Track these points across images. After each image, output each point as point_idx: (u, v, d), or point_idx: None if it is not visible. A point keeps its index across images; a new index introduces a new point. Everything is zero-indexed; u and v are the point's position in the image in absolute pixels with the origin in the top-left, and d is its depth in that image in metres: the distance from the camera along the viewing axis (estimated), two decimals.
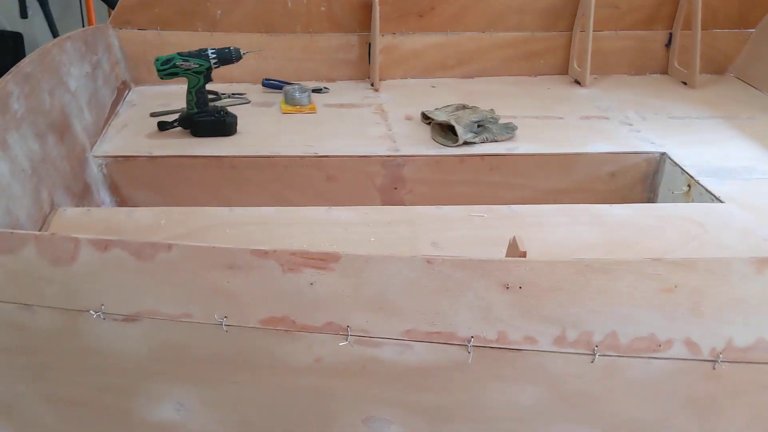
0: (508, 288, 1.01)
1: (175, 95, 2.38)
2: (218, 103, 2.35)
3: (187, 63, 2.16)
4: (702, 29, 2.80)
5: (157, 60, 2.17)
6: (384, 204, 2.13)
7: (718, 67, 2.89)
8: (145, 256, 1.03)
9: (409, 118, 2.39)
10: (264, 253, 1.02)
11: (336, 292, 1.03)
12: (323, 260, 1.02)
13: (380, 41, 2.68)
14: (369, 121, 2.38)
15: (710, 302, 0.99)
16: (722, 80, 2.83)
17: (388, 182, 2.13)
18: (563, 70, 2.85)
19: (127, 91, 2.57)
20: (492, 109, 2.40)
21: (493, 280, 1.01)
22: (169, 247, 1.03)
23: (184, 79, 2.19)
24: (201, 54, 2.16)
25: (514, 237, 1.16)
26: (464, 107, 2.42)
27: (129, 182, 2.11)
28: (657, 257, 1.01)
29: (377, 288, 1.02)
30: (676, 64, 2.80)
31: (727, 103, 2.57)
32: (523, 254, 1.10)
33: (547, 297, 1.01)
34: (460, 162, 2.13)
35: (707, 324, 1.01)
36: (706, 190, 1.91)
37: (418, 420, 1.14)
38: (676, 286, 0.98)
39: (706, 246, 1.64)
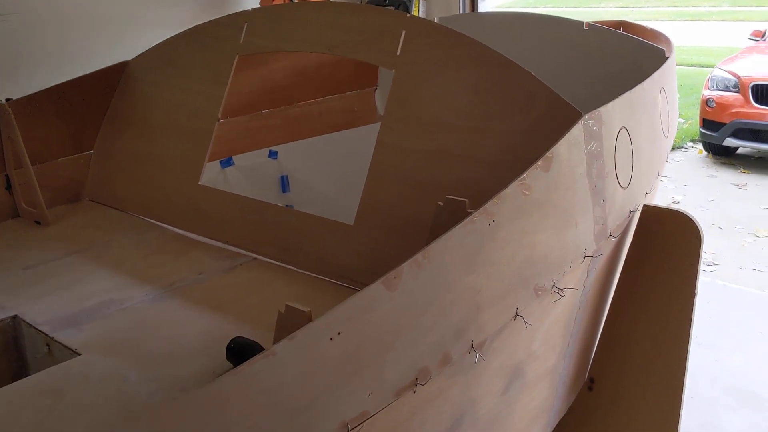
0: None
1: None
2: None
3: None
4: (41, 162, 2.73)
5: None
6: None
7: (73, 195, 2.83)
8: None
9: None
10: None
11: None
12: None
13: None
14: None
15: None
16: (78, 208, 2.77)
17: None
18: None
19: None
20: None
21: None
22: None
23: None
24: None
25: None
26: None
27: None
28: None
29: None
30: (24, 205, 2.64)
31: (84, 233, 2.51)
32: None
33: None
34: None
35: None
36: (63, 345, 1.78)
37: None
38: None
39: (65, 415, 1.50)
